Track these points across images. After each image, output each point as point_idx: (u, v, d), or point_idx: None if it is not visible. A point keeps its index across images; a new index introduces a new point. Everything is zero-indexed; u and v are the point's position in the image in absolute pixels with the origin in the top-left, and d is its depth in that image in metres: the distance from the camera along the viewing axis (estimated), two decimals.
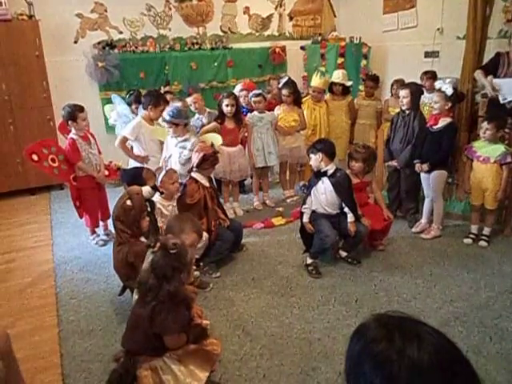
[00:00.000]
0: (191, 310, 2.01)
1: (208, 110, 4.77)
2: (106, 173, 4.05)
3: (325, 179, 3.28)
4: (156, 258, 1.94)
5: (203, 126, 4.47)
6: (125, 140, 3.92)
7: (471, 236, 3.68)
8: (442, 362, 0.76)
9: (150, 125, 3.97)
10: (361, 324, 0.88)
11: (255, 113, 4.54)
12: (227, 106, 4.22)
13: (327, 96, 5.04)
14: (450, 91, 3.56)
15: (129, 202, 2.65)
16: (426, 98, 4.32)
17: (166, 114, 3.81)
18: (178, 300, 1.92)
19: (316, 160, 3.28)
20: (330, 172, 3.27)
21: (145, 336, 1.87)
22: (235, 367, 2.32)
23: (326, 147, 3.29)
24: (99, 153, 3.89)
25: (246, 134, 4.56)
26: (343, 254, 3.40)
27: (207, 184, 3.45)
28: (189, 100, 4.70)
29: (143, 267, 2.36)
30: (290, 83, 4.70)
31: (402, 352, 0.77)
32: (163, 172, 3.38)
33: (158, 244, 1.98)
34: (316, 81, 4.84)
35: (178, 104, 4.30)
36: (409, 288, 3.03)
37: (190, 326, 1.97)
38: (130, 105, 4.90)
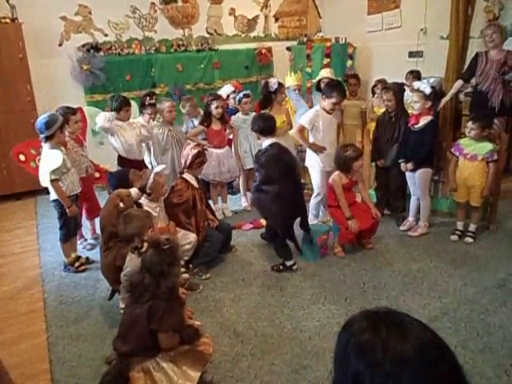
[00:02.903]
0: (184, 307, 2.02)
1: (202, 111, 4.60)
2: (97, 175, 4.00)
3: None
4: (148, 257, 1.94)
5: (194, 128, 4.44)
6: (302, 129, 3.84)
7: (457, 233, 3.73)
8: (425, 354, 0.77)
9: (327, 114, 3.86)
10: (348, 318, 0.90)
11: (239, 115, 4.51)
12: (217, 107, 4.23)
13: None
14: (428, 90, 3.59)
15: (122, 205, 2.64)
16: (409, 96, 4.36)
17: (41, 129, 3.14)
18: (176, 295, 1.95)
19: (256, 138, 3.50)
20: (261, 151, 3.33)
21: (140, 336, 1.87)
22: (226, 368, 2.32)
23: (260, 125, 3.34)
24: None
25: (231, 136, 4.55)
26: None
27: (196, 185, 3.45)
28: (164, 107, 4.21)
29: (127, 270, 2.35)
30: (281, 85, 4.64)
31: (385, 341, 0.78)
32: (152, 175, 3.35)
33: (146, 244, 1.97)
34: (290, 80, 4.81)
35: (167, 104, 4.21)
36: (397, 285, 3.06)
37: (184, 325, 1.97)
38: (116, 110, 3.93)
